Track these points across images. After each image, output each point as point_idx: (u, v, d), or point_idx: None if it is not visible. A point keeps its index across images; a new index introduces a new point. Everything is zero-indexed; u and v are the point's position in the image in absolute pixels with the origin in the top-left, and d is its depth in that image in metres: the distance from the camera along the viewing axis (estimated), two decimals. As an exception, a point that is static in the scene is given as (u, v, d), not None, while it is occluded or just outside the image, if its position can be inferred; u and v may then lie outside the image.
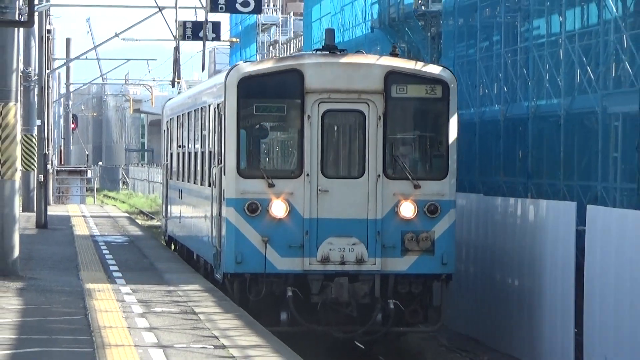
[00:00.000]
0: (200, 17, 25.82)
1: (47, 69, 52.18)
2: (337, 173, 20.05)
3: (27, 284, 24.75)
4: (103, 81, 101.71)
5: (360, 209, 19.35)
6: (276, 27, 66.90)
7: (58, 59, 72.59)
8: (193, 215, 27.10)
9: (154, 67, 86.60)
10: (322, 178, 19.40)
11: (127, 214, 62.27)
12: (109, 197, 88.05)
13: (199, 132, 25.60)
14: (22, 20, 26.11)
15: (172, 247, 33.42)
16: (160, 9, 36.19)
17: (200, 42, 29.91)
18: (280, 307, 18.80)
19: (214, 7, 26.94)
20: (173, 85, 47.06)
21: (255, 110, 19.84)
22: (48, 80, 54.49)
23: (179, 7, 30.53)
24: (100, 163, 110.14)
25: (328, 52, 21.04)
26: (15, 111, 25.66)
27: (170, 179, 33.71)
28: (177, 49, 32.00)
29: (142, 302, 21.01)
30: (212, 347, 15.69)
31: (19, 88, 28.91)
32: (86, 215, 55.00)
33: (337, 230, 19.31)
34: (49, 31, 54.95)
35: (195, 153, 26.53)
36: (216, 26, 27.08)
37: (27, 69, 46.79)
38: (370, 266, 19.18)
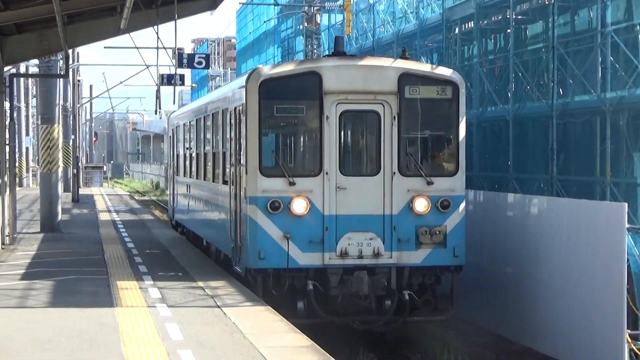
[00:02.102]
0: (172, 71, 34.90)
1: (78, 104, 71.92)
2: (354, 171, 18.81)
3: (66, 236, 31.90)
4: (113, 111, 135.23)
5: (377, 205, 18.29)
6: (219, 77, 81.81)
7: (84, 97, 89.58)
8: (205, 207, 25.71)
9: (144, 101, 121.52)
10: (340, 176, 18.19)
11: (128, 193, 76.44)
12: (117, 182, 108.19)
13: (212, 135, 24.36)
14: (61, 74, 37.90)
15: (179, 230, 32.92)
16: (147, 66, 53.37)
17: (169, 86, 38.68)
18: (300, 300, 17.84)
19: (180, 65, 36.14)
20: (156, 113, 61.69)
21: (276, 112, 18.65)
22: (78, 111, 72.73)
23: (159, 65, 42.27)
24: (111, 162, 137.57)
25: (343, 56, 19.91)
26: (57, 130, 35.84)
27: (177, 175, 32.85)
28: (158, 90, 42.40)
29: (135, 247, 27.65)
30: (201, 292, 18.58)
31: (60, 115, 40.27)
32: (103, 194, 67.37)
33: (354, 226, 18.14)
34: (78, 80, 74.03)
35: (206, 154, 25.20)
36: (182, 77, 35.83)
37: (65, 104, 57.91)
38: (387, 259, 18.17)
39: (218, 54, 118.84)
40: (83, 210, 46.36)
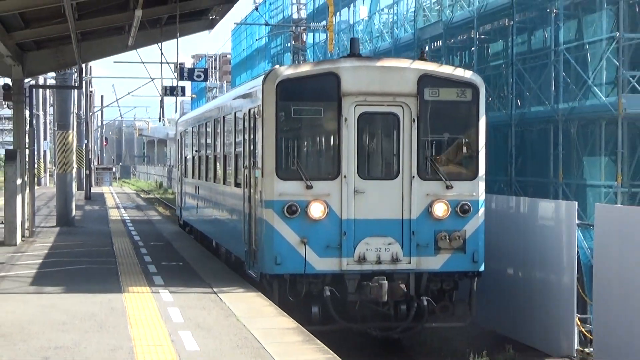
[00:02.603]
0: (174, 83, 34.87)
1: (90, 112, 71.52)
2: (372, 174, 16.64)
3: (79, 230, 31.58)
4: (121, 119, 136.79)
5: (395, 210, 16.21)
6: (216, 88, 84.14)
7: (96, 106, 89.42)
8: (215, 209, 23.37)
9: (149, 110, 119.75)
10: (358, 179, 16.08)
11: (135, 192, 76.00)
12: (125, 182, 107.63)
13: (222, 138, 21.74)
14: (76, 85, 36.60)
15: (186, 229, 30.45)
16: (152, 79, 53.35)
17: (173, 97, 39.10)
18: (316, 306, 15.84)
19: (181, 78, 35.86)
20: (159, 121, 68.44)
21: (293, 113, 16.35)
22: (90, 118, 72.69)
23: (163, 77, 43.80)
24: (120, 164, 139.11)
25: (361, 57, 18.07)
26: (72, 135, 35.80)
27: (185, 176, 30.16)
28: (162, 100, 42.73)
29: (141, 239, 27.32)
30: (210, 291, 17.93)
31: (74, 122, 39.84)
32: (112, 192, 67.23)
33: (373, 231, 16.04)
34: (91, 91, 73.69)
35: (216, 156, 22.76)
36: (183, 88, 35.82)
37: (79, 112, 56.71)
38: (405, 265, 16.12)
39: (215, 68, 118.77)
40: (94, 206, 46.21)
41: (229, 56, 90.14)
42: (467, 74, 17.25)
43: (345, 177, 16.06)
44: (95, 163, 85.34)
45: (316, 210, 15.92)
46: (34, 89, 33.39)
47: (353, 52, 17.41)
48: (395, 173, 16.43)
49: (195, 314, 14.17)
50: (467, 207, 16.35)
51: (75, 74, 34.55)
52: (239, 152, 18.96)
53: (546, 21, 26.03)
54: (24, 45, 26.19)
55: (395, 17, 35.87)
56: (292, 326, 13.59)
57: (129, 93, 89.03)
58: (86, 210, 42.14)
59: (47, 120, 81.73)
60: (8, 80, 27.44)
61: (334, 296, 15.88)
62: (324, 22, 40.58)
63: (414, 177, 16.27)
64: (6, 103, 28.86)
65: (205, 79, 44.66)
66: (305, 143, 17.53)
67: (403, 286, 15.95)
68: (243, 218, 17.88)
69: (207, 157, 24.40)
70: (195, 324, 13.32)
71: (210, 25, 27.79)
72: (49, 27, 24.24)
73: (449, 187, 16.39)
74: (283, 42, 47.95)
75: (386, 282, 15.66)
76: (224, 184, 21.09)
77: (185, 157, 30.11)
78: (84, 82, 46.99)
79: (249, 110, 17.49)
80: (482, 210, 16.68)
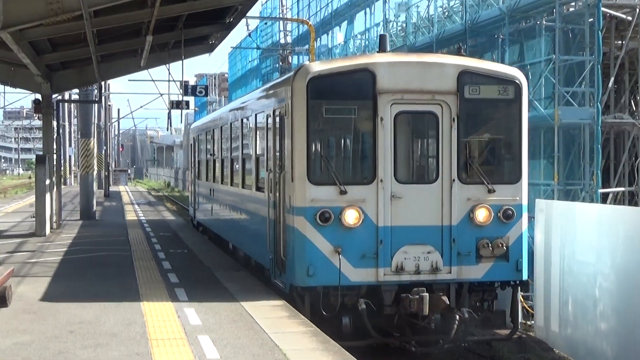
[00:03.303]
0: (180, 98, 35.54)
1: (108, 122, 72.28)
2: (410, 178, 13.72)
3: (99, 222, 31.31)
4: (135, 128, 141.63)
5: (435, 216, 13.26)
6: (215, 102, 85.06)
7: (114, 118, 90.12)
8: (232, 213, 19.75)
9: (158, 121, 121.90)
10: (395, 184, 13.14)
11: (146, 190, 75.02)
12: (138, 182, 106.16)
13: (240, 140, 18.21)
14: (96, 100, 37.16)
15: (200, 229, 27.05)
16: (161, 94, 59.81)
17: (179, 110, 39.94)
18: (347, 317, 12.81)
19: (186, 93, 34.95)
20: (167, 130, 70.53)
21: (325, 113, 13.30)
22: (108, 128, 73.46)
23: (170, 93, 44.42)
24: (134, 166, 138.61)
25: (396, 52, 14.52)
26: (93, 143, 36.47)
27: (199, 179, 26.54)
28: (169, 112, 43.80)
29: (152, 230, 27.19)
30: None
31: (95, 131, 41.54)
32: (127, 191, 66.86)
33: (411, 238, 13.11)
34: (109, 105, 74.96)
35: (233, 159, 19.35)
36: (187, 102, 36.08)
37: (99, 122, 56.38)
38: (446, 275, 13.19)
39: (215, 85, 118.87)
40: (112, 203, 46.02)
41: (226, 75, 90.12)
42: (509, 70, 14.25)
43: (381, 181, 13.09)
44: (113, 166, 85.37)
45: (351, 217, 12.94)
46: (60, 103, 33.22)
47: (382, 50, 14.82)
48: (434, 176, 13.47)
49: (197, 292, 14.12)
50: (510, 212, 13.48)
51: (96, 90, 34.78)
52: (260, 155, 15.82)
53: (494, 45, 26.01)
54: (52, 66, 26.20)
55: (367, 42, 35.87)
56: (279, 304, 13.00)
57: (141, 106, 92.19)
58: (105, 206, 42.02)
59: (72, 130, 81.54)
60: (38, 96, 27.48)
61: (370, 309, 12.89)
62: (306, 46, 40.59)
63: (454, 180, 13.35)
64: (37, 115, 28.87)
65: (206, 95, 44.84)
66: (338, 145, 14.48)
67: (445, 298, 13.06)
68: (268, 225, 14.60)
69: (222, 160, 21.26)
70: (198, 302, 13.36)
71: (210, 49, 27.81)
72: (73, 50, 24.25)
73: (490, 191, 13.48)
74: (272, 63, 47.91)
75: (427, 294, 12.75)
76: (242, 187, 17.81)
77: (199, 161, 26.80)
78: (103, 97, 46.98)
79: (274, 111, 14.41)
80: (525, 216, 13.82)
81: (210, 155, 23.40)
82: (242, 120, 17.90)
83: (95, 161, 37.46)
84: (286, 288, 13.42)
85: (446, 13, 30.33)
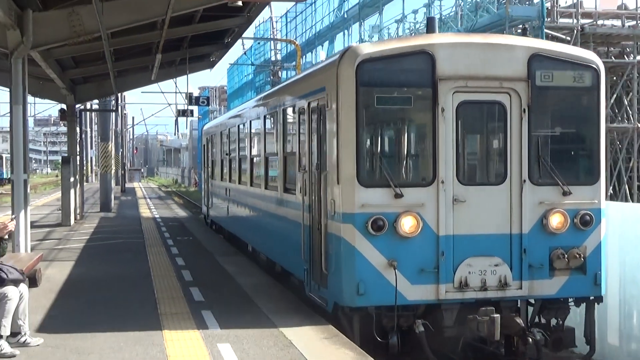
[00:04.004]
0: (185, 107, 35.29)
1: (124, 128, 73.01)
2: (474, 179, 10.35)
3: (116, 215, 30.62)
4: (147, 133, 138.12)
5: (502, 222, 9.86)
6: (216, 111, 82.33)
7: (129, 124, 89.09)
8: (253, 215, 15.92)
9: (167, 127, 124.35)
10: (457, 185, 9.80)
11: (157, 186, 74.77)
12: (150, 179, 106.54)
13: (263, 138, 14.64)
14: (113, 109, 36.89)
15: (213, 227, 23.61)
16: (169, 104, 62.36)
17: (184, 118, 40.36)
18: (394, 335, 9.43)
19: (190, 103, 34.11)
20: (174, 135, 75.47)
21: (377, 103, 9.83)
22: (124, 133, 74.08)
23: (177, 103, 44.26)
24: (146, 166, 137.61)
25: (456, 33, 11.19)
26: (110, 146, 35.92)
27: (213, 179, 22.79)
28: (176, 120, 44.63)
29: (162, 221, 26.97)
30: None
31: (112, 136, 41.25)
32: (141, 187, 67.36)
33: (476, 249, 9.80)
34: (124, 113, 73.74)
35: (253, 159, 15.70)
36: (192, 111, 36.09)
37: (116, 128, 57.35)
38: (515, 291, 9.81)
39: (215, 96, 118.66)
40: (128, 197, 45.85)
41: (225, 87, 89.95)
42: (586, 54, 10.57)
43: (442, 182, 9.67)
44: (128, 166, 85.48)
45: (408, 225, 9.56)
46: (82, 112, 33.29)
47: (431, 32, 11.03)
48: (502, 177, 10.00)
49: (201, 273, 14.02)
50: (588, 217, 10.07)
51: (113, 101, 34.72)
52: (289, 154, 12.43)
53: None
54: (75, 80, 26.19)
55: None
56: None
57: (152, 114, 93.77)
58: (121, 200, 41.87)
59: (93, 135, 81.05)
60: (63, 106, 27.45)
61: (429, 332, 9.49)
62: (293, 63, 40.50)
63: (524, 181, 9.92)
64: (62, 122, 28.83)
65: (208, 104, 44.57)
66: (392, 140, 10.83)
67: (520, 320, 9.74)
68: (302, 231, 11.08)
69: (240, 160, 17.54)
70: (201, 282, 13.27)
71: (211, 65, 27.79)
72: (93, 67, 24.23)
73: (566, 194, 10.01)
74: (264, 77, 47.79)
75: (498, 315, 9.47)
76: (265, 188, 14.21)
77: (213, 161, 23.00)
78: (119, 107, 46.96)
79: (309, 104, 10.94)
80: (604, 222, 10.33)
81: (226, 154, 19.86)
82: (264, 116, 14.47)
83: (112, 162, 37.41)
84: (328, 306, 10.07)
85: (413, 34, 30.32)
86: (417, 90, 9.88)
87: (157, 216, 29.58)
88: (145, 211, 32.72)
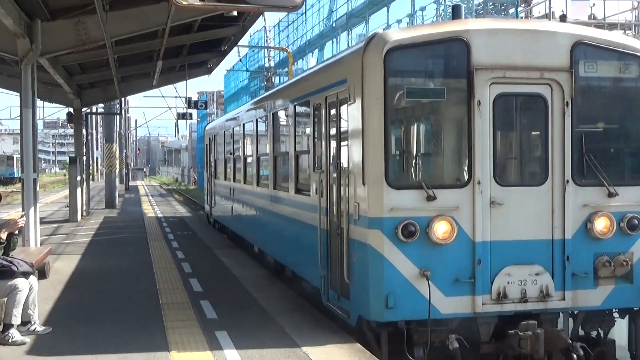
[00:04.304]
0: (185, 110, 35.70)
1: (127, 130, 71.36)
2: (513, 179, 8.81)
3: (120, 211, 30.69)
4: (149, 135, 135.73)
5: (544, 227, 8.41)
6: (214, 114, 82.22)
7: (132, 127, 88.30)
8: (258, 215, 14.26)
9: (168, 129, 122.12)
10: (495, 186, 8.38)
11: (159, 184, 73.59)
12: (152, 178, 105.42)
13: (272, 136, 12.78)
14: (117, 112, 35.70)
15: (216, 226, 22.03)
16: (170, 107, 63.05)
17: (183, 120, 39.93)
18: (420, 348, 8.07)
19: (189, 107, 34.42)
20: (175, 136, 73.94)
21: (407, 95, 8.32)
22: (127, 135, 72.42)
23: (177, 107, 43.46)
24: (148, 165, 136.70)
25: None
26: (115, 147, 35.91)
27: (216, 178, 21.17)
28: (176, 122, 45.87)
29: (164, 216, 26.56)
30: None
31: (117, 138, 40.34)
32: (143, 185, 66.90)
33: (515, 257, 8.37)
34: (128, 116, 72.12)
35: (259, 158, 14.13)
36: (191, 114, 36.79)
37: (120, 130, 56.13)
38: (558, 302, 8.38)
39: (213, 100, 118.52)
40: (131, 194, 45.70)
41: (222, 92, 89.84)
42: (632, 42, 9.03)
43: (479, 183, 8.17)
44: (132, 165, 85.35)
45: (441, 230, 8.07)
46: (88, 115, 33.11)
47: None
48: (543, 177, 8.49)
49: (199, 264, 14.03)
50: (636, 221, 8.60)
51: (117, 105, 34.45)
52: (301, 152, 10.96)
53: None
54: (82, 85, 26.10)
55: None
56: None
57: (154, 117, 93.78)
58: (125, 197, 41.74)
59: (98, 136, 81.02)
60: (70, 109, 27.37)
61: (464, 348, 8.06)
62: (286, 69, 40.49)
63: (567, 181, 8.42)
64: (70, 125, 28.81)
65: (206, 108, 44.91)
66: (423, 137, 9.19)
67: (564, 335, 8.24)
68: (319, 236, 9.52)
69: (245, 159, 15.94)
70: (198, 273, 13.25)
71: (209, 71, 27.73)
72: (98, 73, 24.13)
73: (612, 195, 8.53)
74: (259, 82, 47.74)
75: (542, 330, 8.03)
76: (274, 188, 12.56)
77: (216, 160, 21.39)
78: (123, 110, 46.92)
79: (326, 98, 9.38)
80: None
81: (230, 154, 18.14)
82: (273, 114, 12.73)
83: (117, 161, 37.35)
84: (351, 319, 8.55)
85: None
86: (450, 82, 8.35)
87: (158, 212, 29.50)
88: (147, 208, 32.64)
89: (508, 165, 8.74)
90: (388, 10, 29.07)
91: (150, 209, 32.05)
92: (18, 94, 14.68)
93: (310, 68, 12.44)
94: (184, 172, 79.50)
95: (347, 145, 8.69)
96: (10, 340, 8.28)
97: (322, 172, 9.51)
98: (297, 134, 11.25)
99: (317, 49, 38.92)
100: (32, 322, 8.80)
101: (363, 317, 8.25)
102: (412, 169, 8.38)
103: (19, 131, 15.18)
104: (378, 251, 7.95)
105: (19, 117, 14.63)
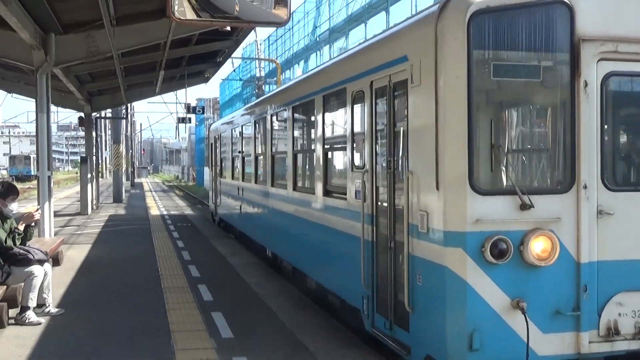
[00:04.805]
0: (185, 115, 35.54)
1: (133, 133, 70.91)
2: (626, 182, 5.49)
3: (126, 205, 30.04)
4: (152, 137, 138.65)
5: None
6: (210, 118, 79.62)
7: (137, 129, 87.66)
8: (272, 217, 11.78)
9: (169, 132, 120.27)
10: (603, 192, 5.19)
11: (161, 181, 72.58)
12: (155, 175, 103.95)
13: (292, 132, 10.33)
14: (124, 117, 35.24)
15: (222, 225, 19.35)
16: (171, 112, 64.44)
17: (183, 124, 40.32)
18: None
19: (188, 112, 34.27)
20: (175, 138, 73.63)
21: (494, 73, 4.84)
22: (133, 137, 71.55)
23: (177, 112, 44.07)
24: (152, 164, 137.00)
25: None
26: (122, 147, 35.12)
27: (223, 177, 18.29)
28: (177, 126, 45.81)
29: (166, 209, 26.26)
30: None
31: (123, 139, 39.08)
32: (148, 182, 66.66)
33: (628, 281, 5.15)
34: (133, 120, 71.00)
35: (274, 156, 11.64)
36: (190, 119, 36.95)
37: (126, 133, 56.22)
38: None
39: (210, 106, 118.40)
40: (136, 190, 45.36)
41: (218, 99, 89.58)
42: None
43: (585, 187, 5.46)
44: (137, 164, 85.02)
45: (539, 249, 5.35)
46: (97, 119, 32.99)
47: None
48: None
49: (196, 251, 14.02)
50: None
51: (123, 110, 34.29)
52: (332, 149, 8.47)
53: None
54: (92, 92, 25.97)
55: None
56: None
57: (157, 121, 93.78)
58: (131, 193, 41.43)
59: (106, 138, 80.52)
60: (81, 114, 27.21)
61: None
62: (275, 78, 40.47)
63: None
64: (81, 127, 28.63)
65: (203, 113, 44.80)
66: (514, 128, 5.74)
67: None
68: (362, 248, 7.02)
69: (256, 157, 13.32)
70: (197, 261, 13.19)
71: (206, 80, 27.62)
72: (107, 81, 24.01)
73: None
74: (251, 90, 47.67)
75: None
76: (294, 190, 10.06)
77: (222, 159, 18.56)
78: (129, 115, 46.75)
79: (372, 83, 6.79)
80: None
81: (239, 152, 15.45)
82: (293, 107, 10.20)
83: (123, 161, 37.14)
84: (412, 357, 6.04)
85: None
86: (548, 56, 5.49)
87: (161, 206, 29.36)
88: (151, 202, 32.47)
89: (619, 165, 5.94)
90: (366, 26, 29.14)
91: (154, 203, 31.88)
92: (34, 100, 14.61)
93: (342, 53, 8.97)
94: (184, 170, 79.17)
95: (407, 139, 6.04)
96: (27, 321, 8.26)
97: (365, 171, 6.98)
98: (325, 128, 8.60)
99: (302, 61, 38.95)
100: (47, 305, 8.77)
101: (434, 358, 5.69)
102: (503, 169, 5.46)
103: (35, 133, 15.09)
104: (459, 275, 5.31)
105: (35, 121, 14.54)
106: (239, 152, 15.59)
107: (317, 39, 35.24)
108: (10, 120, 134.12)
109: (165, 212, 25.56)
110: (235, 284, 10.71)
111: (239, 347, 7.19)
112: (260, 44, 48.04)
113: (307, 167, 9.68)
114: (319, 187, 8.67)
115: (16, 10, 11.78)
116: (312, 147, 9.18)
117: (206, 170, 42.26)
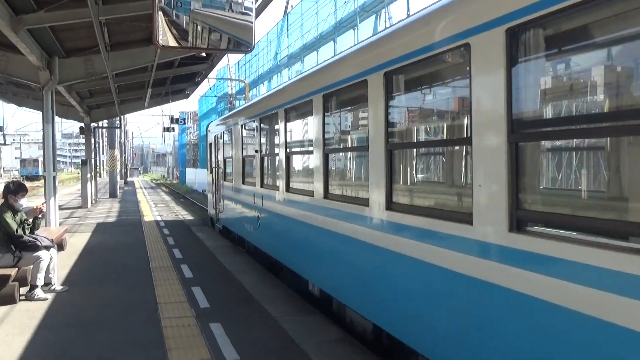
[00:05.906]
0: (169, 125, 34.31)
1: (126, 140, 67.77)
2: None
3: (120, 200, 28.61)
4: (142, 143, 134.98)
5: None
6: (191, 128, 76.99)
7: (130, 137, 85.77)
8: (290, 231, 7.43)
9: (156, 138, 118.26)
10: None
11: (150, 180, 71.20)
12: (145, 175, 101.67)
13: (321, 127, 5.76)
14: (118, 126, 33.21)
15: (223, 230, 14.41)
16: (158, 123, 62.41)
17: (168, 132, 38.94)
18: None
19: (172, 123, 33.89)
20: (161, 144, 69.35)
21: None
22: (125, 143, 68.13)
23: (163, 123, 43.91)
24: (142, 166, 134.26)
25: None
26: (116, 152, 33.51)
27: (225, 181, 12.94)
28: (163, 134, 45.77)
29: (154, 203, 25.84)
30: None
31: (117, 145, 37.94)
32: (139, 180, 64.87)
33: None
34: (126, 129, 67.39)
35: (288, 157, 7.41)
36: (173, 128, 36.75)
37: (121, 139, 55.14)
38: None
39: (190, 118, 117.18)
40: (129, 187, 44.41)
41: (197, 112, 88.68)
42: None
43: None
44: (129, 165, 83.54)
45: None
46: (96, 129, 32.33)
47: None
48: None
49: (181, 239, 13.83)
50: None
51: (118, 121, 33.45)
52: (398, 145, 4.55)
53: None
54: (90, 106, 25.44)
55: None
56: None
57: (146, 130, 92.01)
58: (125, 189, 40.52)
59: (103, 144, 78.59)
60: (82, 124, 26.62)
61: None
62: (244, 95, 40.25)
63: None
64: (82, 136, 28.03)
65: (184, 123, 44.11)
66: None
67: None
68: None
69: (269, 159, 8.97)
70: (180, 247, 13.01)
71: (187, 96, 27.38)
72: (103, 97, 23.56)
73: None
74: (224, 105, 47.27)
75: None
76: (325, 198, 6.02)
77: (225, 160, 13.19)
78: (122, 125, 45.97)
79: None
80: None
81: (246, 155, 10.77)
82: (323, 96, 6.17)
83: (117, 163, 36.48)
84: None
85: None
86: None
87: (150, 200, 28.82)
88: (141, 197, 31.83)
89: None
90: (317, 53, 29.23)
91: (144, 198, 31.27)
92: (41, 113, 14.32)
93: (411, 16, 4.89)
94: (169, 170, 77.97)
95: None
96: (35, 297, 8.07)
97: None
98: (388, 119, 4.83)
99: (266, 81, 38.82)
100: (53, 283, 8.57)
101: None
102: None
103: (42, 141, 14.78)
104: None
105: (42, 130, 14.25)
106: (246, 154, 10.80)
107: (278, 64, 35.18)
108: (21, 130, 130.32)
109: (153, 205, 25.11)
110: (210, 263, 10.61)
111: (214, 315, 7.15)
112: (232, 67, 47.70)
113: (326, 170, 6.12)
114: (377, 200, 4.91)
115: (25, 38, 11.60)
116: (365, 144, 5.15)
117: (199, 171, 41.33)
